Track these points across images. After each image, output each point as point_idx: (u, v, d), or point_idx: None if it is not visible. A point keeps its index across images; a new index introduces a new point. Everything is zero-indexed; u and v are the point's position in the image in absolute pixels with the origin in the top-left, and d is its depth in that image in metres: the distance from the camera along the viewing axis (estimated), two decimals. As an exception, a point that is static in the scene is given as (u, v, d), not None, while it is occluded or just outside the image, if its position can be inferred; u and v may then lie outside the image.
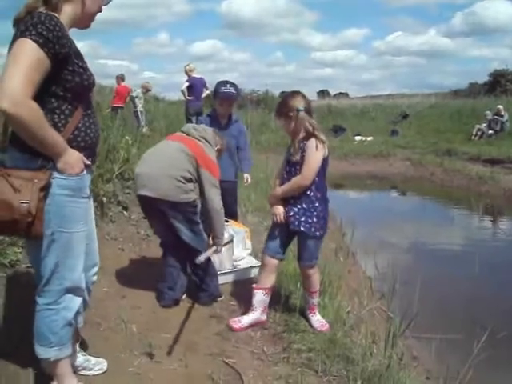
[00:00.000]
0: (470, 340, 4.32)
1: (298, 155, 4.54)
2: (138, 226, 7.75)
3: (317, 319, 4.91)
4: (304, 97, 4.67)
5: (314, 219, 4.59)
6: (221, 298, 5.44)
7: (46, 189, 2.84)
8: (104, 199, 7.47)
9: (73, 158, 2.92)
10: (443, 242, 10.77)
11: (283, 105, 4.69)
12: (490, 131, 23.18)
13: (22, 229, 2.80)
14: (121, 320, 4.70)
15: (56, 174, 2.89)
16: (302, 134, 4.56)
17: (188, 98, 16.63)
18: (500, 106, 23.59)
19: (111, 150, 9.38)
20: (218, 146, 5.42)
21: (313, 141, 4.49)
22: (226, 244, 5.58)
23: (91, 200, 3.36)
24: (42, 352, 3.15)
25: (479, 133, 23.45)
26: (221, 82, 6.48)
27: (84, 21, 3.18)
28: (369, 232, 10.20)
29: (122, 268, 6.12)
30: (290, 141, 4.76)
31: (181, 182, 4.85)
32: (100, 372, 3.77)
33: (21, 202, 2.73)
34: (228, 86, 6.32)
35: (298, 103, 4.55)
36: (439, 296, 6.70)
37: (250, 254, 6.61)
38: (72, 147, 2.94)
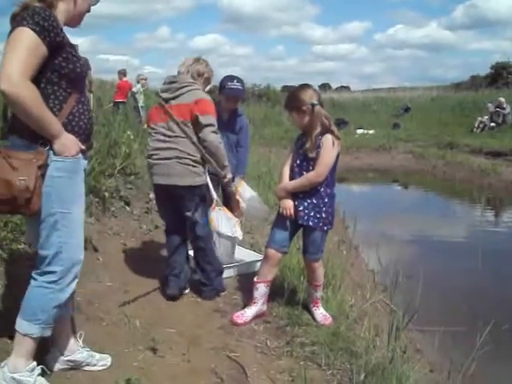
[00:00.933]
0: (473, 333, 4.31)
1: (315, 151, 4.49)
2: (140, 221, 7.76)
3: (320, 313, 4.91)
4: (315, 90, 4.63)
5: (323, 214, 4.58)
6: (224, 293, 5.43)
7: (43, 167, 2.96)
8: (106, 194, 7.47)
9: (69, 140, 3.05)
10: (446, 234, 10.77)
11: (295, 99, 4.61)
12: (492, 123, 23.16)
13: (20, 206, 2.91)
14: (124, 315, 4.69)
15: (53, 157, 3.00)
16: (318, 129, 4.50)
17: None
18: (502, 99, 23.55)
19: (113, 146, 9.38)
20: (205, 75, 5.34)
21: (329, 137, 4.46)
22: (229, 239, 5.56)
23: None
24: (26, 327, 3.17)
25: (481, 125, 23.44)
26: (228, 76, 6.32)
27: (75, 19, 3.32)
28: (371, 225, 10.21)
29: (125, 263, 6.13)
30: (300, 134, 4.73)
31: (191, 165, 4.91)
32: (104, 368, 3.76)
33: (19, 178, 2.84)
34: (235, 81, 6.18)
35: (311, 97, 4.49)
36: (442, 289, 6.70)
37: (251, 248, 6.61)
38: (67, 132, 3.06)
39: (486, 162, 17.78)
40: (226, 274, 5.80)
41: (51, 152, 3.00)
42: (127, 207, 8.06)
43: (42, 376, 3.32)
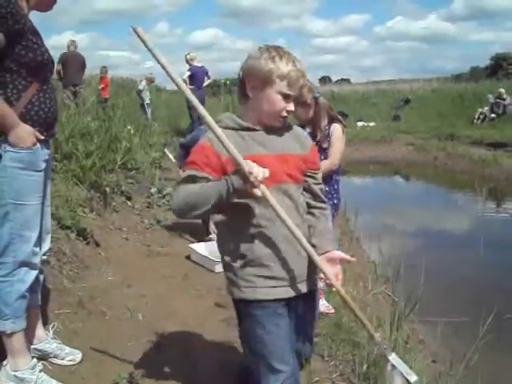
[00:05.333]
0: (475, 323, 4.35)
1: (326, 142, 4.55)
2: (141, 215, 7.77)
3: (323, 304, 4.91)
4: (310, 82, 4.62)
5: (335, 201, 4.64)
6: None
7: None
8: (107, 189, 7.48)
9: (24, 131, 3.01)
10: (447, 225, 10.78)
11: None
12: (493, 114, 23.12)
13: None
14: (126, 309, 4.72)
15: (8, 147, 2.98)
16: (325, 120, 4.55)
17: (189, 87, 16.61)
18: (502, 90, 23.51)
19: (113, 141, 9.39)
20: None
21: (337, 125, 4.58)
22: None
23: (49, 174, 3.45)
24: None
25: (481, 116, 23.40)
26: None
27: (44, 3, 3.24)
28: (373, 217, 10.22)
29: (127, 257, 6.14)
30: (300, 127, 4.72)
31: None
32: (72, 363, 3.73)
33: None
34: None
35: (311, 90, 4.48)
36: (444, 279, 6.70)
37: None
38: (25, 121, 3.03)
39: (486, 153, 17.75)
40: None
41: (6, 142, 2.97)
42: (128, 202, 8.08)
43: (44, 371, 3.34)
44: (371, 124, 24.56)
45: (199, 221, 6.85)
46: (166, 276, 5.66)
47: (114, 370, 3.68)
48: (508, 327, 5.23)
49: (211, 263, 5.94)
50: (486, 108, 23.47)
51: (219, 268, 5.81)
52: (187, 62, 16.75)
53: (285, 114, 2.58)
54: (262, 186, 2.32)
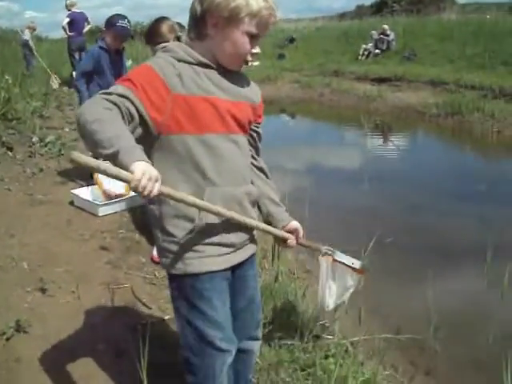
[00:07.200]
0: (359, 248, 4.53)
1: None
2: (23, 165, 7.58)
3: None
4: (173, 22, 4.49)
5: None
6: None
7: None
8: (-13, 141, 7.26)
9: None
10: (334, 161, 10.98)
11: (155, 33, 4.43)
12: (377, 50, 23.50)
13: None
14: (11, 258, 4.65)
15: None
16: None
17: (69, 33, 16.31)
18: (385, 26, 23.88)
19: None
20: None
21: None
22: None
23: None
24: None
25: (366, 53, 23.75)
26: (116, 15, 6.23)
27: None
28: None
29: (10, 208, 6.00)
30: None
31: None
32: None
33: None
34: (126, 21, 6.10)
35: (171, 29, 4.38)
36: (329, 211, 6.92)
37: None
38: None
39: (371, 88, 18.17)
40: (112, 209, 5.82)
41: None
42: (9, 152, 7.89)
43: None
44: (256, 63, 24.54)
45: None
46: (49, 223, 5.58)
47: (1, 318, 3.66)
48: (388, 250, 5.48)
49: (94, 207, 5.90)
50: (370, 44, 23.81)
51: (103, 211, 5.81)
52: (67, 7, 16.43)
53: (249, 57, 2.30)
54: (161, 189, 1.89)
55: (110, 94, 2.03)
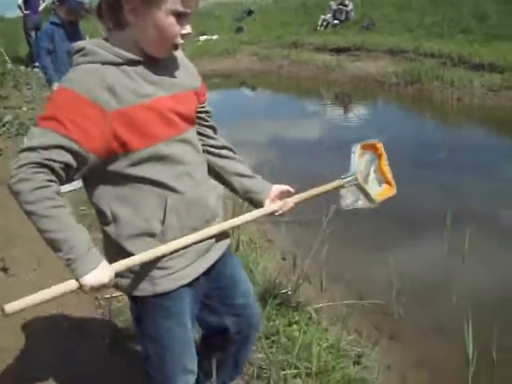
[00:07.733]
0: (320, 217, 4.52)
1: None
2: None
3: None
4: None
5: None
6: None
7: None
8: None
9: None
10: (294, 133, 10.95)
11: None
12: (336, 21, 23.45)
13: None
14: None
15: None
16: None
17: (25, 12, 16.05)
18: (344, -4, 23.88)
19: None
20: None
21: None
22: None
23: None
24: None
25: (325, 23, 23.66)
26: None
27: None
28: (221, 131, 10.24)
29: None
30: None
31: None
32: None
33: None
34: None
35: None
36: (289, 181, 6.86)
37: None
38: None
39: (330, 59, 18.12)
40: (72, 186, 5.73)
41: None
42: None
43: None
44: (214, 37, 24.40)
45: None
46: (10, 208, 5.49)
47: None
48: (349, 217, 5.48)
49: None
50: (329, 15, 23.72)
51: (63, 188, 5.69)
52: (22, -14, 16.10)
53: (180, 39, 1.97)
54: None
55: (38, 151, 1.77)
